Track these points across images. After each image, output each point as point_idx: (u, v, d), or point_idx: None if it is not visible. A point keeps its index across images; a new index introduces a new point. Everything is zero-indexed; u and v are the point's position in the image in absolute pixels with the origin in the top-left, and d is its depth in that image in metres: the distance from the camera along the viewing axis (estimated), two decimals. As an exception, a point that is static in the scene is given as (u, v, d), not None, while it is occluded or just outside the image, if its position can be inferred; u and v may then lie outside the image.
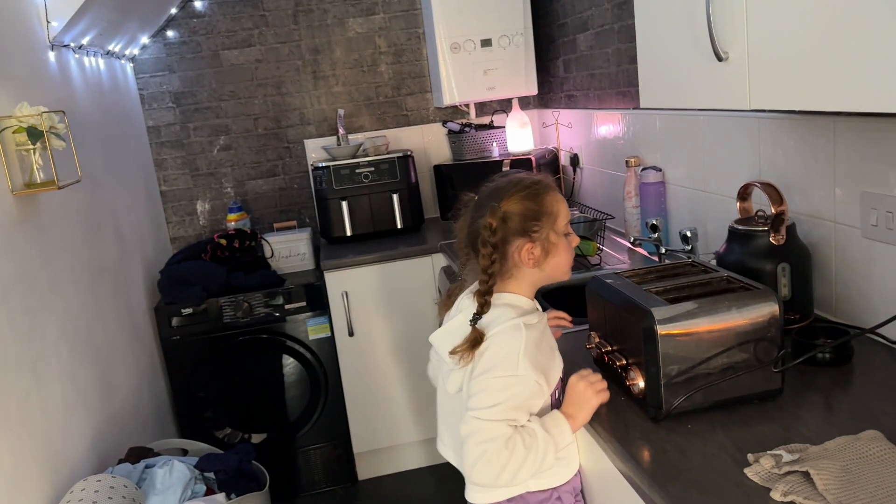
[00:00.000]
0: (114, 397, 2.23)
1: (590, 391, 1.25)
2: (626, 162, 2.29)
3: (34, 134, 1.71)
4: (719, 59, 1.26)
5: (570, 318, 1.52)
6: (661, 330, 1.16)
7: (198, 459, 2.09)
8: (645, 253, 2.22)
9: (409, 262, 2.85)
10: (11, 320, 1.67)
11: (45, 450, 1.71)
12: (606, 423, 1.25)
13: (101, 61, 2.68)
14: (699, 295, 1.25)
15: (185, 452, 2.35)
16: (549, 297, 2.05)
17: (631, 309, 1.23)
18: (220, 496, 1.96)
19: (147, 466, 1.97)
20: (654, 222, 1.96)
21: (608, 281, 1.36)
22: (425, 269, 2.87)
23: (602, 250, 2.30)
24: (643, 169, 2.20)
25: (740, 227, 1.54)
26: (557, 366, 1.32)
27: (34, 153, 1.75)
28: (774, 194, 1.51)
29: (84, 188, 2.23)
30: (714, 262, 1.56)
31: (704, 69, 1.32)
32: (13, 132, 1.71)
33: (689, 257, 1.83)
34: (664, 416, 1.20)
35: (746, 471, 1.04)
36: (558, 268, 1.32)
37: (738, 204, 1.64)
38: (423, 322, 2.84)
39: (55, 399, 1.82)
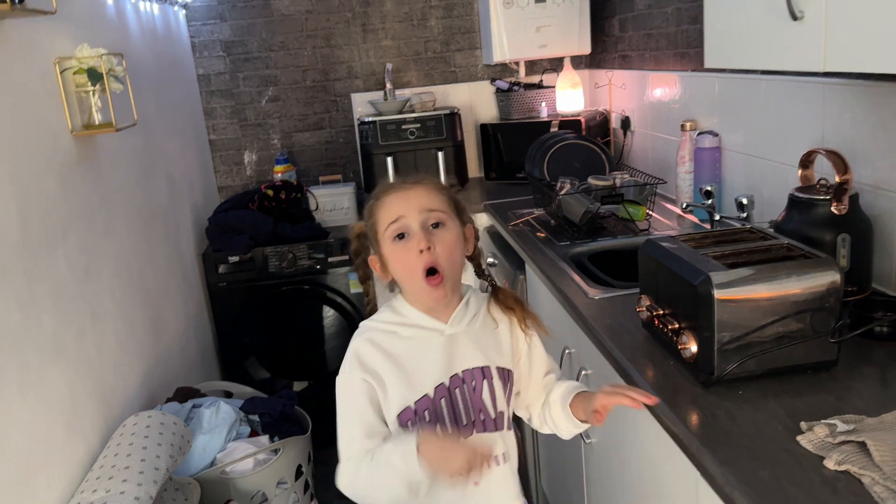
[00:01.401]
0: (163, 339, 2.29)
1: (457, 463, 1.03)
2: (682, 126, 2.23)
3: (94, 76, 1.74)
4: (794, 18, 1.21)
5: (650, 401, 1.14)
6: (719, 295, 1.14)
7: (243, 402, 2.15)
8: (696, 220, 2.17)
9: (453, 219, 2.84)
10: (69, 258, 1.71)
11: (98, 385, 1.77)
12: (654, 385, 1.25)
13: (155, 7, 2.69)
14: (758, 261, 1.22)
15: (229, 395, 2.41)
16: (594, 261, 2.03)
17: (688, 272, 1.21)
18: (264, 438, 2.02)
19: (194, 406, 2.03)
20: (709, 188, 1.92)
21: (664, 244, 1.34)
22: (468, 228, 2.85)
23: (651, 216, 2.26)
24: (699, 133, 2.15)
25: (802, 195, 1.50)
26: (407, 390, 1.15)
27: (93, 95, 1.78)
28: (839, 162, 1.46)
29: (138, 132, 2.26)
30: (771, 230, 1.52)
31: (777, 28, 1.27)
32: (73, 73, 1.74)
33: (743, 225, 1.79)
34: (715, 381, 1.19)
35: (799, 438, 1.03)
36: (402, 279, 1.20)
37: (800, 172, 1.59)
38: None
39: (109, 337, 1.88)
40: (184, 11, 3.15)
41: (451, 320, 1.21)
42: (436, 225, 1.17)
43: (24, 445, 1.41)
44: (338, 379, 1.20)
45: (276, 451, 1.99)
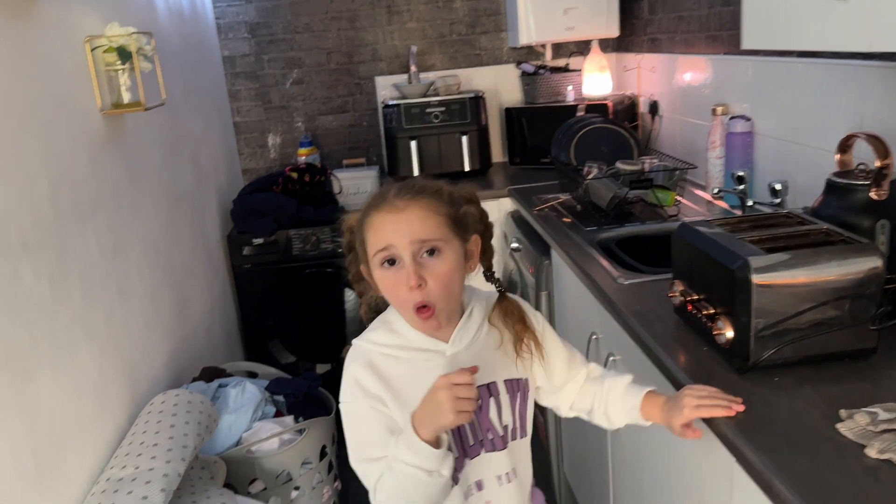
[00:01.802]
0: (189, 319, 2.31)
1: (448, 406, 0.96)
2: (713, 110, 2.19)
3: (123, 54, 1.74)
4: (839, -4, 1.18)
5: (741, 407, 1.07)
6: (757, 279, 1.12)
7: (268, 382, 2.15)
8: (726, 206, 2.14)
9: (477, 204, 2.82)
10: (99, 236, 1.72)
11: (126, 363, 1.79)
12: (687, 371, 1.23)
13: (181, -13, 2.69)
14: (796, 246, 1.20)
15: (254, 375, 2.42)
16: (622, 246, 2.01)
17: (725, 256, 1.19)
18: (289, 418, 2.03)
19: (220, 386, 2.04)
20: (741, 174, 1.89)
21: (699, 228, 1.31)
22: (492, 214, 2.78)
23: (680, 202, 2.23)
24: (731, 118, 2.11)
25: (840, 180, 1.46)
26: (409, 416, 1.03)
27: (122, 74, 1.78)
28: (880, 147, 1.42)
29: (165, 113, 2.26)
30: (808, 216, 1.49)
31: (821, 7, 1.23)
32: (103, 52, 1.74)
33: (777, 211, 1.76)
34: (750, 367, 1.17)
35: (839, 426, 1.01)
36: (392, 305, 1.12)
37: (837, 156, 1.55)
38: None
39: (136, 316, 1.89)
40: (209, -8, 3.14)
41: (453, 339, 1.13)
42: (431, 251, 1.06)
43: (55, 422, 1.42)
44: (342, 407, 1.13)
45: (300, 432, 1.99)
